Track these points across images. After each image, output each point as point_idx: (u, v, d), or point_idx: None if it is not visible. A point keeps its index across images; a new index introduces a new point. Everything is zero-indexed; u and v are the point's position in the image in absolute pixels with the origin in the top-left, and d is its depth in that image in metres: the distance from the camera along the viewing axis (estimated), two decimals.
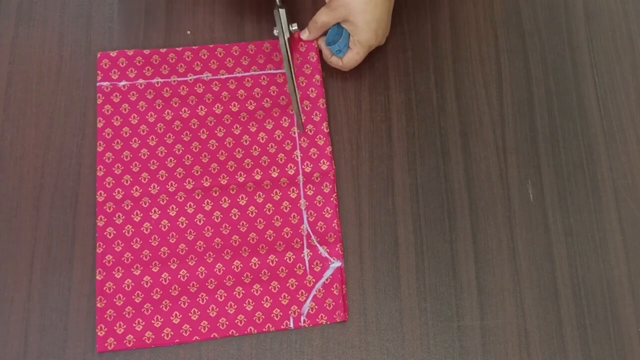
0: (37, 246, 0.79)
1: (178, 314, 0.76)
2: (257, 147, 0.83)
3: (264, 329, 0.76)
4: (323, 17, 0.82)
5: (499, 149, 0.85)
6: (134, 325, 0.75)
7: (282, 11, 0.82)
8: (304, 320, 0.76)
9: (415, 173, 0.83)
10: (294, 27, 0.83)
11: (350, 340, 0.77)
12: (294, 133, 0.83)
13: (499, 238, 0.81)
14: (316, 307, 0.77)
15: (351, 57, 0.83)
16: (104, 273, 0.77)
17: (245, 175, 0.82)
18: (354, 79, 0.87)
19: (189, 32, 0.88)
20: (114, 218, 0.79)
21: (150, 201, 0.80)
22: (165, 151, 0.82)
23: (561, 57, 0.90)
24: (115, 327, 0.75)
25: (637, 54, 0.90)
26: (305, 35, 0.86)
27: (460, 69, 0.89)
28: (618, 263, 0.80)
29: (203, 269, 0.77)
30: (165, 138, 0.83)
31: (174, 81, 0.85)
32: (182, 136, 0.83)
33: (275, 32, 0.83)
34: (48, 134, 0.83)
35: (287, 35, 0.82)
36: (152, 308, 0.76)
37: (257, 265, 0.78)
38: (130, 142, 0.82)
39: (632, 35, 0.91)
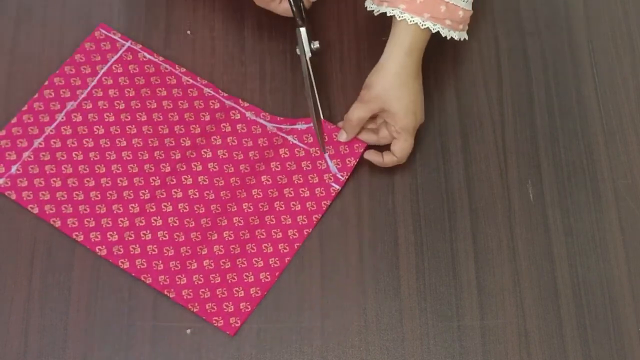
0: (37, 246, 0.79)
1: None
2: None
3: (323, 208, 0.80)
4: (358, 113, 0.79)
5: (499, 149, 0.85)
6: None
7: (303, 30, 0.81)
8: (342, 175, 0.81)
9: (415, 173, 0.83)
10: (316, 45, 0.81)
11: (350, 340, 0.77)
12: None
13: (499, 238, 0.81)
14: (339, 162, 0.81)
15: (402, 147, 0.79)
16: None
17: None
18: (354, 79, 0.87)
19: (189, 32, 0.89)
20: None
21: (155, 207, 0.80)
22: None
23: (561, 57, 0.90)
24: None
25: (637, 54, 0.90)
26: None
27: (460, 69, 0.89)
28: (618, 263, 0.80)
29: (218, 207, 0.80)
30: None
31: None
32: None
33: (298, 51, 0.82)
34: None
35: (308, 55, 0.81)
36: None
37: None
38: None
39: (632, 35, 0.91)
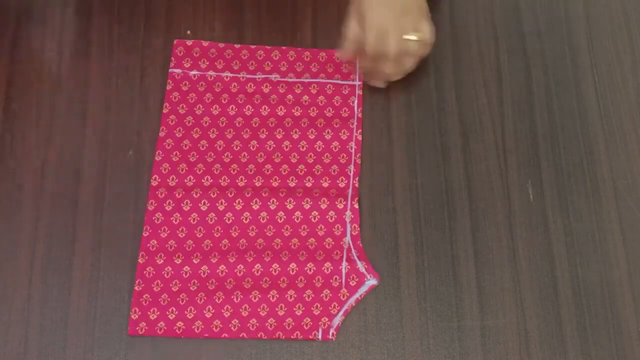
0: (37, 246, 0.79)
1: (211, 308, 0.76)
2: (312, 155, 0.83)
3: (292, 336, 0.76)
4: (349, 27, 0.80)
5: (499, 149, 0.85)
6: (167, 313, 0.76)
7: None
8: (332, 333, 0.76)
9: (415, 173, 0.83)
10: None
11: (350, 340, 0.77)
12: (351, 148, 0.84)
13: (499, 238, 0.81)
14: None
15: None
16: (147, 257, 0.78)
17: (296, 180, 0.82)
18: None
19: (189, 32, 0.89)
20: (164, 204, 0.80)
21: (201, 192, 0.81)
22: (224, 145, 0.83)
23: (561, 57, 0.90)
24: (149, 313, 0.76)
25: (637, 54, 0.90)
26: (341, 53, 0.83)
27: (460, 69, 0.89)
28: (618, 263, 0.81)
29: (242, 267, 0.78)
30: (225, 133, 0.84)
31: (243, 77, 0.86)
32: (242, 133, 0.84)
33: None
34: (48, 134, 0.83)
35: None
36: (187, 299, 0.77)
37: (295, 272, 0.78)
38: (192, 132, 0.83)
39: (632, 36, 0.91)
